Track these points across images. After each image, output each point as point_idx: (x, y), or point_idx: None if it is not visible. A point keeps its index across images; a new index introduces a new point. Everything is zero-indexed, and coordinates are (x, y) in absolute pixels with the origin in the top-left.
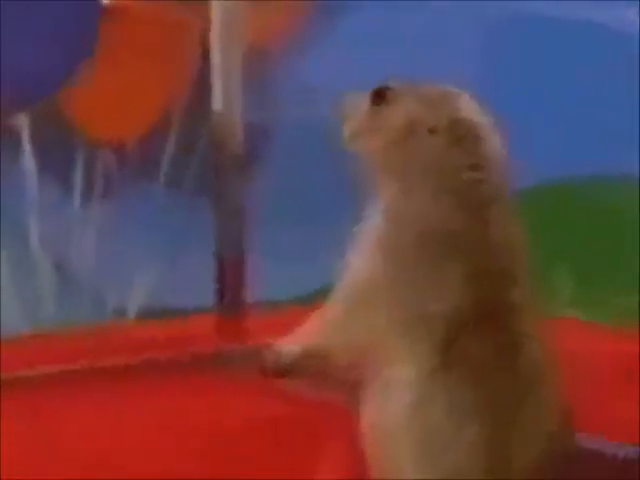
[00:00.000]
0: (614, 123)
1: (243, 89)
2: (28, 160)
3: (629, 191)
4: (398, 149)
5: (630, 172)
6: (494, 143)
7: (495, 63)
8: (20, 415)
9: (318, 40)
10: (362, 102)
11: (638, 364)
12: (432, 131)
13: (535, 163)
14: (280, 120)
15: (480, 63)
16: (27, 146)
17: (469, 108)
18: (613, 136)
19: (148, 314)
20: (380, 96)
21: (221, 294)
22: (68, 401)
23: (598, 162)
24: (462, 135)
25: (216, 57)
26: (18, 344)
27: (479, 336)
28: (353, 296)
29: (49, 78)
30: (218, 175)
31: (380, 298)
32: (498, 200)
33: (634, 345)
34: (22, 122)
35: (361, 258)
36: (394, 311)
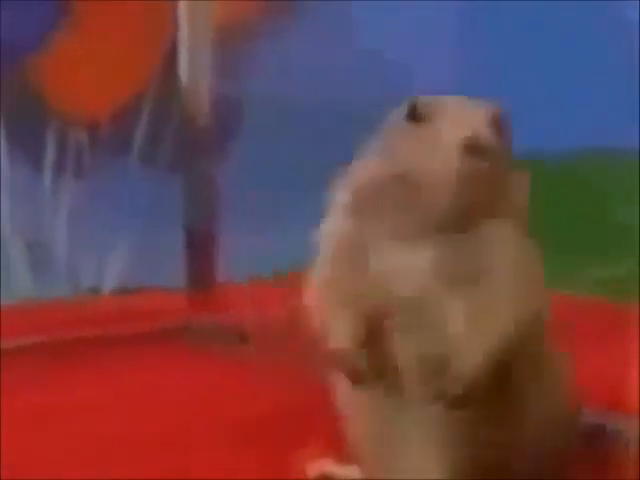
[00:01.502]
0: (611, 96)
1: (218, 63)
2: None
3: (627, 165)
4: None
5: (629, 146)
6: None
7: (490, 37)
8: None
9: (296, 17)
10: None
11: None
12: None
13: (531, 138)
14: (255, 95)
15: (475, 36)
16: None
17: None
18: (609, 109)
19: (123, 291)
20: None
21: (189, 268)
22: (45, 371)
23: (594, 136)
24: None
25: (183, 30)
26: None
27: None
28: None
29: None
30: (186, 148)
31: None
32: None
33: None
34: None
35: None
36: None
